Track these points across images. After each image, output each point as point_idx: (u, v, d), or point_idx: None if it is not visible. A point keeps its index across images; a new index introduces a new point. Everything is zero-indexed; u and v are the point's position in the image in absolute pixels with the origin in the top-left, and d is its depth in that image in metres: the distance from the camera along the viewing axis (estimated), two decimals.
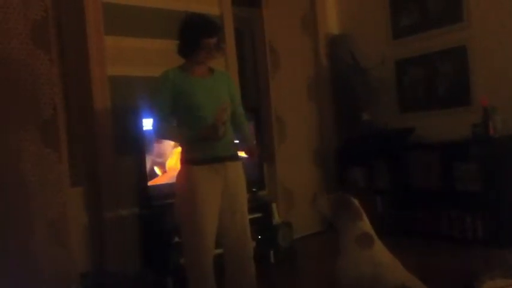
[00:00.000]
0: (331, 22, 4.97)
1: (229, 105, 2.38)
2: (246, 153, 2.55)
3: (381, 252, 2.20)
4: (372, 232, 2.25)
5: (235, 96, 2.63)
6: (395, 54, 4.55)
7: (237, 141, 2.60)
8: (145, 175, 3.34)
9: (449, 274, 3.00)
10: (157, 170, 3.40)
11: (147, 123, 3.25)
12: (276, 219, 3.81)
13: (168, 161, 3.44)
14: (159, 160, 3.42)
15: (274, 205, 3.83)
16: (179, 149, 2.67)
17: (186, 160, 2.42)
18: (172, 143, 3.27)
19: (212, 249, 2.41)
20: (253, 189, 3.79)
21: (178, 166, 2.48)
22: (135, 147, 3.38)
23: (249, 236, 2.53)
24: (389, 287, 2.07)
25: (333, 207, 2.33)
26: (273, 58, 4.42)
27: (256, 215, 3.51)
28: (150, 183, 3.35)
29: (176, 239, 3.11)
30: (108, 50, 3.44)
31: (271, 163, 4.32)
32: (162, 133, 2.53)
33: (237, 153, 2.53)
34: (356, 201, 2.36)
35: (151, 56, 3.70)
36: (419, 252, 3.67)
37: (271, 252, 3.71)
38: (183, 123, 2.43)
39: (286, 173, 4.42)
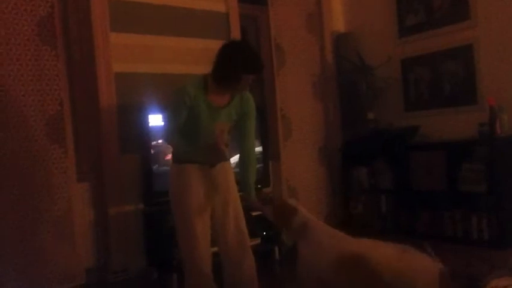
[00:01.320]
0: (337, 20, 4.96)
1: (228, 126, 2.35)
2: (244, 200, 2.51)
3: (318, 231, 2.17)
4: (307, 218, 2.21)
5: (246, 123, 2.49)
6: (401, 52, 4.53)
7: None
8: (150, 171, 3.35)
9: (453, 274, 2.99)
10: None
11: (153, 120, 3.26)
12: None
13: None
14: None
15: None
16: None
17: (176, 159, 2.46)
18: None
19: (206, 240, 2.42)
20: (258, 186, 3.80)
21: None
22: (141, 143, 3.39)
23: (244, 228, 2.51)
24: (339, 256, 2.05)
25: (274, 215, 2.32)
26: (279, 56, 4.41)
27: (260, 212, 3.51)
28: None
29: None
30: (114, 46, 3.45)
31: (276, 160, 4.33)
32: (171, 143, 2.48)
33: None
34: (292, 201, 2.35)
35: (157, 52, 3.71)
36: (422, 252, 3.65)
37: (276, 248, 3.71)
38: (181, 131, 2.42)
39: (291, 170, 4.42)
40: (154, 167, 3.36)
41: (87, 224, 3.39)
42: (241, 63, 2.25)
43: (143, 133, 3.36)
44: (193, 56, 3.89)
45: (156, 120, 3.29)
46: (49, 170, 3.21)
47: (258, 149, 3.84)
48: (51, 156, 3.22)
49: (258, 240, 3.43)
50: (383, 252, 1.96)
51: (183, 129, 2.35)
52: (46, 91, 3.21)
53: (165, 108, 2.58)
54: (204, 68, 3.93)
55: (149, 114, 3.31)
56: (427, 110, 4.39)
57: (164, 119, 2.49)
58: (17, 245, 3.05)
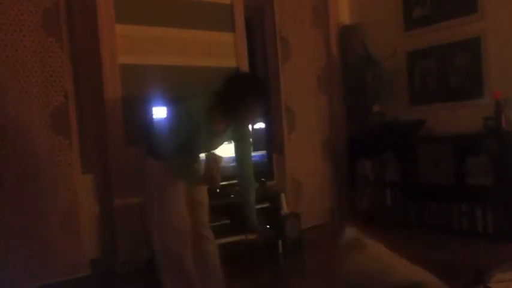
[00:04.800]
0: (343, 12, 4.92)
1: (221, 159, 2.33)
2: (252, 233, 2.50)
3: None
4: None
5: (243, 146, 2.47)
6: (407, 45, 4.50)
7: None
8: None
9: (459, 267, 2.99)
10: None
11: (157, 112, 3.26)
12: (285, 209, 3.81)
13: None
14: None
15: (282, 195, 3.83)
16: None
17: (154, 155, 2.38)
18: None
19: (186, 226, 2.37)
20: (262, 180, 3.79)
21: None
22: (146, 135, 3.39)
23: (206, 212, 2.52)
24: None
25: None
26: (284, 48, 4.39)
27: (264, 205, 3.52)
28: None
29: None
30: (119, 38, 3.44)
31: (281, 154, 4.32)
32: (170, 157, 2.35)
33: None
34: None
35: (162, 44, 3.70)
36: (428, 245, 3.66)
37: (279, 242, 3.71)
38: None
39: (295, 164, 4.41)
40: None
41: (93, 216, 3.40)
42: (251, 91, 2.25)
43: (148, 124, 3.35)
44: (198, 47, 3.88)
45: (160, 112, 3.28)
46: (54, 162, 3.22)
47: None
48: (55, 147, 3.23)
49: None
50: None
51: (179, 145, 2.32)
52: (51, 82, 3.21)
53: (169, 121, 2.55)
54: (209, 60, 3.96)
55: (154, 106, 3.30)
56: (433, 103, 4.36)
57: (166, 131, 2.43)
58: (23, 236, 3.06)
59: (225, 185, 3.10)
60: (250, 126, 2.50)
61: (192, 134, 2.27)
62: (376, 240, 2.14)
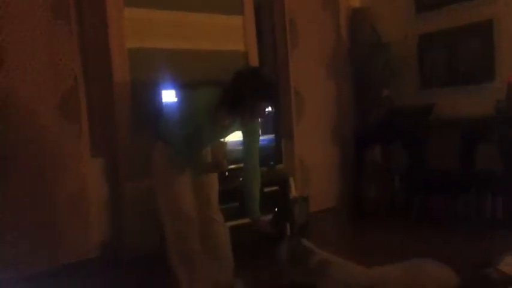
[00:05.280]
0: None
1: (225, 145, 2.37)
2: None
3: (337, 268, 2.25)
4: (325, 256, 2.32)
5: (250, 140, 2.46)
6: (418, 28, 4.44)
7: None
8: None
9: (467, 254, 2.98)
10: None
11: (166, 96, 3.25)
12: (293, 193, 3.82)
13: None
14: None
15: (291, 179, 3.83)
16: None
17: (162, 139, 2.40)
18: None
19: (192, 213, 2.39)
20: (271, 163, 3.80)
21: None
22: (155, 119, 3.39)
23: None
24: None
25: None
26: (292, 32, 4.35)
27: (273, 188, 3.52)
28: None
29: None
30: (127, 21, 3.43)
31: (289, 138, 4.31)
32: (178, 144, 2.35)
33: None
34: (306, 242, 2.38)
35: (171, 28, 3.68)
36: (436, 232, 3.65)
37: (287, 225, 3.72)
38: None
39: (304, 148, 4.40)
40: None
41: (101, 199, 3.43)
42: (256, 93, 2.21)
43: (157, 108, 3.35)
44: (206, 31, 3.86)
45: (169, 96, 3.28)
46: (63, 145, 3.24)
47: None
48: (65, 131, 3.24)
49: (269, 216, 3.45)
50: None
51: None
52: (60, 66, 3.22)
53: (177, 110, 2.53)
54: (217, 43, 3.94)
55: (163, 90, 3.30)
56: (443, 87, 4.31)
57: (174, 119, 2.42)
58: (32, 219, 3.09)
59: (233, 168, 3.10)
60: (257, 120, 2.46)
61: (198, 127, 2.28)
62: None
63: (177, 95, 3.15)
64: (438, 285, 1.93)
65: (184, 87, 2.85)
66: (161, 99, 3.29)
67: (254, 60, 4.13)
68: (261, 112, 2.29)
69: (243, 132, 2.46)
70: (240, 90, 2.21)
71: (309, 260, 2.23)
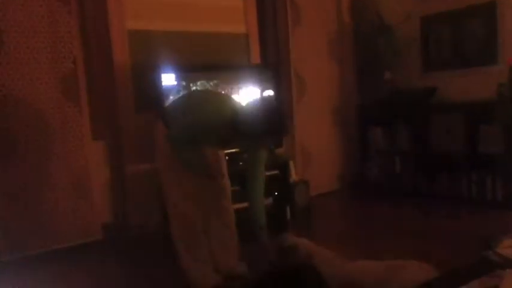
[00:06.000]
0: None
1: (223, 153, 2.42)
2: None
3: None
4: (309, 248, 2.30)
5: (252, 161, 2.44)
6: (421, 10, 4.38)
7: None
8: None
9: (467, 235, 3.01)
10: None
11: (166, 79, 3.23)
12: (293, 176, 3.83)
13: None
14: None
15: (291, 163, 3.84)
16: None
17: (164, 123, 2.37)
18: None
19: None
20: (271, 147, 3.79)
21: None
22: (155, 101, 3.38)
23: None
24: None
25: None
26: (294, 12, 4.30)
27: (273, 172, 3.53)
28: None
29: None
30: (127, 3, 3.40)
31: (290, 121, 4.30)
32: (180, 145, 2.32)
33: None
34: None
35: (171, 10, 3.64)
36: (438, 214, 3.67)
37: (288, 208, 3.75)
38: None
39: (305, 131, 4.39)
40: None
41: (104, 181, 3.45)
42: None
43: (158, 91, 3.34)
44: (207, 13, 3.82)
45: (169, 79, 3.26)
46: (64, 128, 3.24)
47: None
48: (66, 114, 3.24)
49: (270, 200, 3.46)
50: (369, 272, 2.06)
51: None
52: (59, 48, 3.20)
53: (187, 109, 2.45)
54: (218, 25, 3.90)
55: (163, 73, 3.27)
56: (446, 70, 4.28)
57: (176, 118, 2.36)
58: (35, 200, 3.12)
59: (234, 152, 3.11)
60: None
61: (199, 136, 2.28)
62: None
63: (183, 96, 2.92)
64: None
65: (191, 95, 2.77)
66: (161, 81, 3.27)
67: (255, 42, 4.09)
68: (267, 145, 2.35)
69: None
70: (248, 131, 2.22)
71: (296, 255, 2.25)
